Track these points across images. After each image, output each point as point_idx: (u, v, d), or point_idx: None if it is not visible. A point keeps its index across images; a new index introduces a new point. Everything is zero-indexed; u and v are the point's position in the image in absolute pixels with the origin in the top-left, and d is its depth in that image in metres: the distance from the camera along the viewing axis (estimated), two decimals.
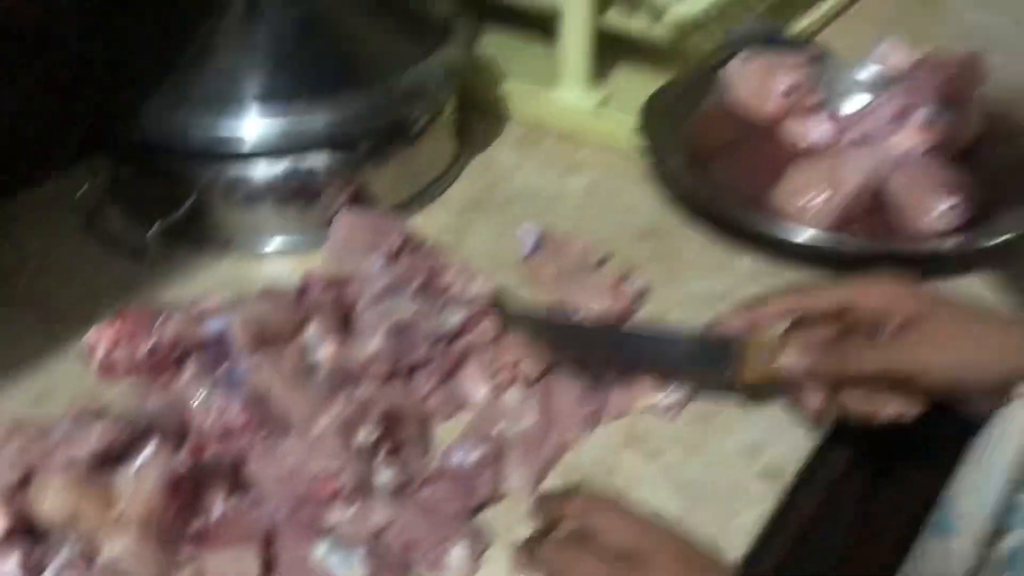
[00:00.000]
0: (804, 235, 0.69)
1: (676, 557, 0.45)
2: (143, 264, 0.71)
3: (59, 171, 0.79)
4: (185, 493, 0.47)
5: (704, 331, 0.58)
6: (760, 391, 0.58)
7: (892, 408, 0.52)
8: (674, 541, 0.46)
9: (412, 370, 0.58)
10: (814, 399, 0.54)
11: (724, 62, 0.84)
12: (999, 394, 0.52)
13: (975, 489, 0.55)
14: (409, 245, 0.69)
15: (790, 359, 0.54)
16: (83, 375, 0.60)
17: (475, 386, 0.58)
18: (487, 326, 0.60)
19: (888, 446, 0.62)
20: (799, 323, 0.56)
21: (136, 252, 0.71)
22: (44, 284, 0.70)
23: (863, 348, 0.53)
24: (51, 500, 0.45)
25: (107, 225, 0.75)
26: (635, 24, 0.84)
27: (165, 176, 0.73)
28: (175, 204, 0.72)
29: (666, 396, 0.58)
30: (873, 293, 0.54)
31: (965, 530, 0.55)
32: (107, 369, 0.59)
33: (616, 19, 0.85)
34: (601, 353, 0.59)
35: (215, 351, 0.56)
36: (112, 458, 0.48)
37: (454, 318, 0.59)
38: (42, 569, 0.44)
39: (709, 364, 0.56)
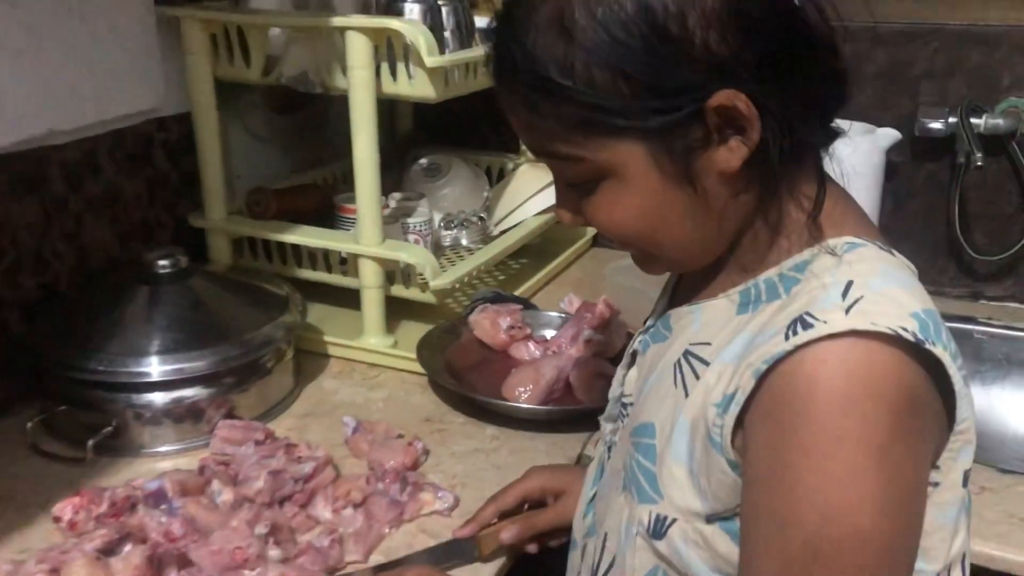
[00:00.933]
0: (523, 410, 1.11)
1: None
2: (81, 468, 1.01)
3: (3, 415, 1.11)
4: (154, 569, 0.79)
5: (454, 539, 0.89)
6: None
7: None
8: None
9: (282, 501, 0.93)
10: (529, 547, 0.90)
11: (470, 312, 1.30)
12: None
13: None
14: (269, 439, 1.05)
15: (505, 535, 0.88)
16: (51, 535, 0.90)
17: (324, 509, 0.94)
18: (327, 473, 0.96)
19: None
20: (503, 515, 0.90)
21: (75, 461, 1.02)
22: (7, 490, 0.98)
23: (538, 515, 0.90)
24: (77, 572, 0.76)
25: (48, 447, 1.05)
26: (410, 292, 1.29)
27: (91, 407, 1.06)
28: (100, 426, 1.04)
29: (442, 502, 0.95)
30: (533, 484, 0.91)
31: None
32: (72, 526, 0.89)
33: (399, 289, 1.30)
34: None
35: (155, 498, 0.89)
36: (107, 551, 0.79)
37: (306, 467, 0.95)
38: None
39: (463, 554, 0.89)
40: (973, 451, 0.61)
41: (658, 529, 0.65)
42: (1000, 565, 0.90)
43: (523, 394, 1.13)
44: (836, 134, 0.65)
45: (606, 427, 0.80)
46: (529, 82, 0.59)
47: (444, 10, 1.25)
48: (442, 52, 1.19)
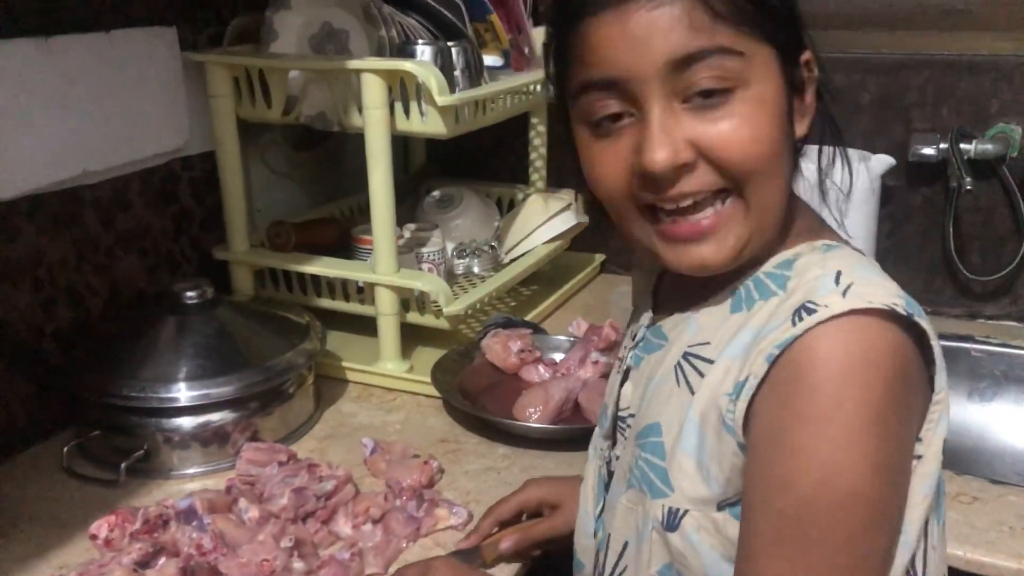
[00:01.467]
0: (533, 429, 1.16)
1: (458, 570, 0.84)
2: (115, 490, 1.07)
3: (42, 439, 1.17)
4: None
5: (458, 551, 0.95)
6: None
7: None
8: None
9: (305, 517, 0.98)
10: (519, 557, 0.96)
11: (482, 337, 1.35)
12: None
13: None
14: (291, 459, 1.10)
15: (504, 545, 0.94)
16: (88, 552, 0.95)
17: (344, 524, 0.99)
18: (348, 491, 1.02)
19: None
20: (503, 524, 0.96)
21: (108, 484, 1.08)
22: (46, 511, 1.05)
23: (535, 526, 0.95)
24: None
25: (83, 470, 1.11)
26: (425, 319, 1.35)
27: (123, 431, 1.12)
28: (132, 450, 1.10)
29: (456, 518, 1.00)
30: (531, 495, 0.97)
31: None
32: (108, 543, 0.95)
33: (414, 316, 1.35)
34: None
35: (186, 515, 0.94)
36: (143, 564, 0.85)
37: (327, 485, 1.00)
38: None
39: (469, 563, 0.93)
40: (948, 420, 0.65)
41: (671, 521, 0.68)
42: (990, 571, 0.94)
43: (533, 414, 1.18)
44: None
45: (605, 444, 0.82)
46: None
47: (454, 51, 1.31)
48: (452, 91, 1.25)
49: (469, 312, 1.38)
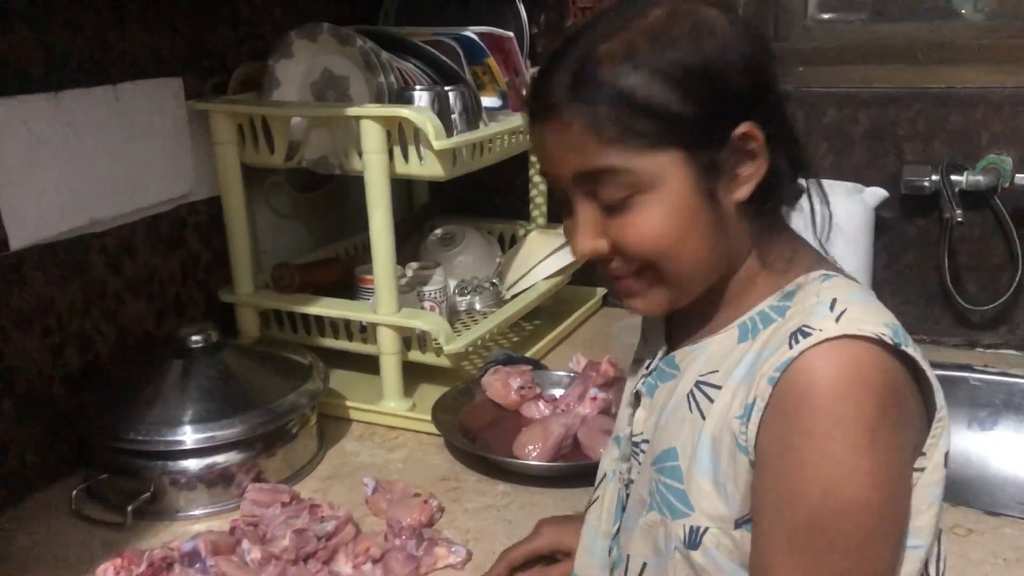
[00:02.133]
0: (532, 467, 1.18)
1: None
2: (122, 532, 1.09)
3: (51, 482, 1.19)
4: None
5: None
6: None
7: None
8: None
9: (306, 558, 1.00)
10: None
11: (483, 374, 1.37)
12: None
13: None
14: (294, 500, 1.12)
15: None
16: None
17: (344, 564, 1.01)
18: (348, 531, 1.03)
19: None
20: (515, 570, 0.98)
21: (115, 526, 1.10)
22: (54, 553, 1.07)
23: (552, 570, 0.97)
24: None
25: (91, 513, 1.13)
26: (426, 357, 1.37)
27: (130, 474, 1.14)
28: (139, 492, 1.12)
29: (455, 556, 1.02)
30: (545, 542, 0.98)
31: None
32: None
33: (415, 355, 1.38)
34: None
35: (190, 557, 0.96)
36: None
37: (328, 525, 1.02)
38: None
39: None
40: (950, 434, 0.70)
41: (693, 540, 0.72)
42: None
43: (532, 451, 1.19)
44: (802, 191, 0.77)
45: (622, 466, 0.85)
46: (596, 96, 0.68)
47: (451, 95, 1.34)
48: (450, 134, 1.28)
49: (470, 349, 1.40)
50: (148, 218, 1.33)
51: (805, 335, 0.65)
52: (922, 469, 0.68)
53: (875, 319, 0.66)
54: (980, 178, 1.40)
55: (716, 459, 0.71)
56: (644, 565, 0.77)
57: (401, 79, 1.38)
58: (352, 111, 1.25)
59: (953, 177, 1.41)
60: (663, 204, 0.70)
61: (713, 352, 0.75)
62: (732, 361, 0.72)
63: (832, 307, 0.67)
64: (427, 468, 1.24)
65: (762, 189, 0.71)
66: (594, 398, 1.26)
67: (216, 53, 1.43)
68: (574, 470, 1.18)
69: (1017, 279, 1.43)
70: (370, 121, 1.23)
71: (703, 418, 0.73)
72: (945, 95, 1.44)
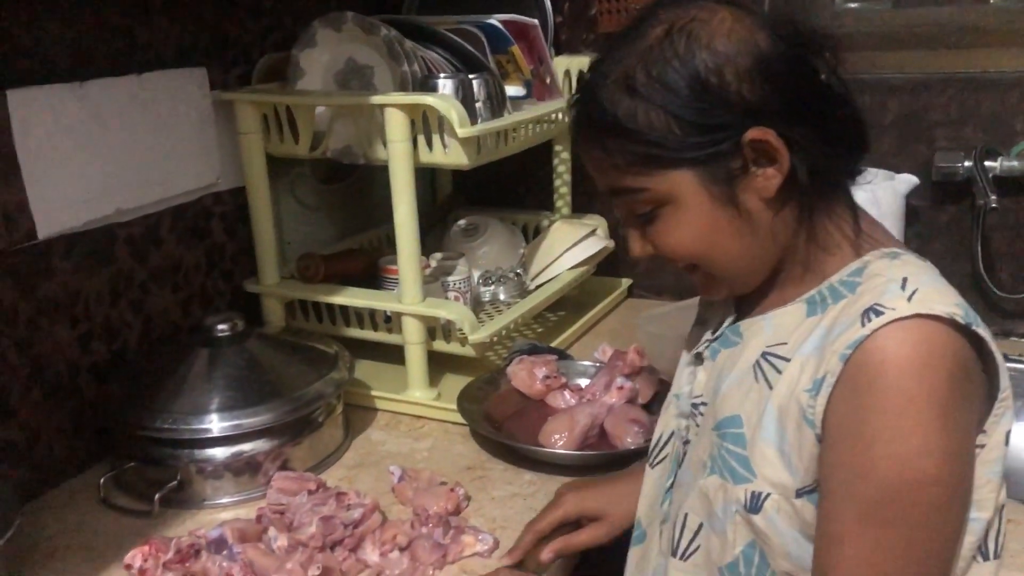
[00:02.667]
0: (559, 456, 1.17)
1: None
2: (149, 520, 1.09)
3: (79, 471, 1.20)
4: None
5: (504, 567, 0.97)
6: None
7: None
8: None
9: (333, 546, 0.99)
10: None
11: (508, 364, 1.36)
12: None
13: None
14: (321, 488, 1.12)
15: (545, 556, 0.95)
16: None
17: (371, 552, 1.00)
18: (375, 519, 1.03)
19: None
20: (540, 540, 0.98)
21: (142, 514, 1.11)
22: (83, 541, 1.07)
23: (576, 536, 0.97)
24: None
25: (119, 501, 1.14)
26: (451, 346, 1.36)
27: (157, 463, 1.14)
28: (166, 481, 1.13)
29: (482, 544, 1.01)
30: (571, 509, 0.99)
31: None
32: (142, 573, 0.97)
33: (440, 344, 1.37)
34: None
35: (217, 544, 0.96)
36: None
37: (355, 513, 1.02)
38: None
39: None
40: (1012, 415, 0.72)
41: (754, 504, 0.74)
42: None
43: (559, 441, 1.18)
44: (860, 171, 0.79)
45: (681, 423, 0.88)
46: (603, 127, 0.74)
47: (475, 83, 1.33)
48: (474, 122, 1.28)
49: (495, 339, 1.39)
50: (173, 208, 1.33)
51: (878, 313, 0.67)
52: (982, 446, 0.71)
53: (946, 299, 0.68)
54: (1015, 163, 1.37)
55: (782, 429, 0.73)
56: (700, 525, 0.80)
57: (425, 68, 1.37)
58: (376, 99, 1.25)
59: (987, 163, 1.38)
60: (683, 216, 0.74)
61: (779, 324, 0.78)
62: (801, 334, 0.74)
63: (904, 286, 0.68)
64: (453, 457, 1.23)
65: (792, 181, 0.72)
66: (620, 387, 1.25)
67: (240, 43, 1.43)
68: (601, 459, 1.17)
69: None
70: (394, 109, 1.23)
71: (770, 388, 0.75)
72: (978, 80, 1.42)
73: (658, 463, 0.92)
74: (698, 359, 0.87)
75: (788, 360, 0.74)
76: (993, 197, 1.33)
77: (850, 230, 0.76)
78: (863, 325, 0.67)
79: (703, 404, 0.84)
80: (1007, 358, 1.40)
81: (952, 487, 0.67)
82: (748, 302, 0.84)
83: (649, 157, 0.72)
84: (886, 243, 0.76)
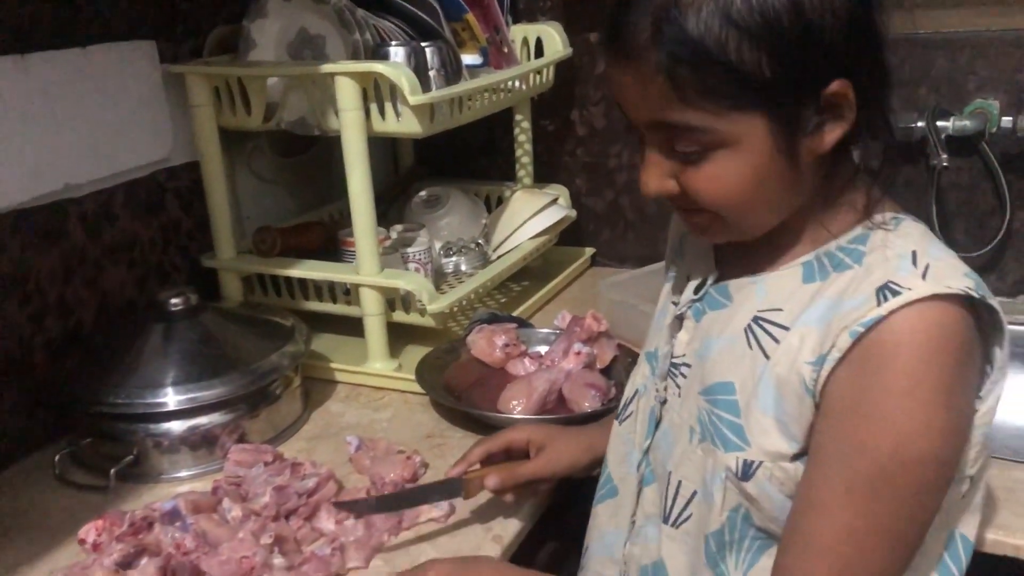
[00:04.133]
0: (516, 421, 1.17)
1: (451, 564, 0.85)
2: (105, 495, 1.09)
3: (34, 449, 1.19)
4: None
5: (444, 479, 1.01)
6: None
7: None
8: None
9: (288, 515, 0.99)
10: (507, 497, 0.99)
11: (468, 333, 1.36)
12: (589, 469, 0.99)
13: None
14: (277, 460, 1.12)
15: (489, 481, 0.98)
16: (77, 556, 0.97)
17: (327, 520, 1.00)
18: (330, 488, 1.03)
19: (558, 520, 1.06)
20: (488, 458, 1.01)
21: (98, 489, 1.10)
22: (37, 519, 1.07)
23: (520, 466, 0.99)
24: None
25: (75, 477, 1.13)
26: (411, 317, 1.36)
27: (113, 438, 1.14)
28: (122, 456, 1.12)
29: (438, 511, 1.01)
30: (520, 433, 1.02)
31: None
32: (95, 547, 0.96)
33: (400, 315, 1.37)
34: (401, 501, 1.00)
35: (170, 516, 0.96)
36: (125, 564, 0.86)
37: (309, 482, 1.02)
38: None
39: (451, 493, 0.99)
40: (1004, 380, 0.73)
41: (746, 472, 0.74)
42: (997, 548, 0.94)
43: (517, 407, 1.19)
44: (892, 142, 0.76)
45: (658, 383, 0.87)
46: (680, 53, 0.65)
47: (428, 51, 1.32)
48: (427, 91, 1.26)
49: (456, 309, 1.39)
50: (126, 183, 1.32)
51: (895, 292, 0.66)
52: (976, 411, 0.71)
53: (957, 272, 0.68)
54: (967, 123, 1.38)
55: (781, 399, 0.72)
56: (694, 493, 0.80)
57: (378, 36, 1.36)
58: (326, 68, 1.23)
59: (940, 123, 1.39)
60: (740, 162, 0.69)
61: (773, 288, 0.76)
62: (799, 302, 0.73)
63: (915, 261, 0.68)
64: (413, 426, 1.23)
65: (843, 142, 0.71)
66: (578, 353, 1.25)
67: (191, 16, 1.41)
68: (557, 423, 1.17)
69: (1005, 225, 1.42)
70: (345, 78, 1.21)
71: (766, 357, 0.74)
72: (930, 40, 1.42)
73: (625, 419, 0.92)
74: (678, 320, 0.85)
75: (787, 329, 0.73)
76: (944, 156, 1.34)
77: (863, 198, 0.74)
78: (879, 304, 0.66)
79: (686, 366, 0.83)
80: None
81: (945, 467, 0.68)
82: (731, 261, 0.82)
83: (728, 94, 0.66)
84: (887, 206, 0.75)
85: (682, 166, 0.71)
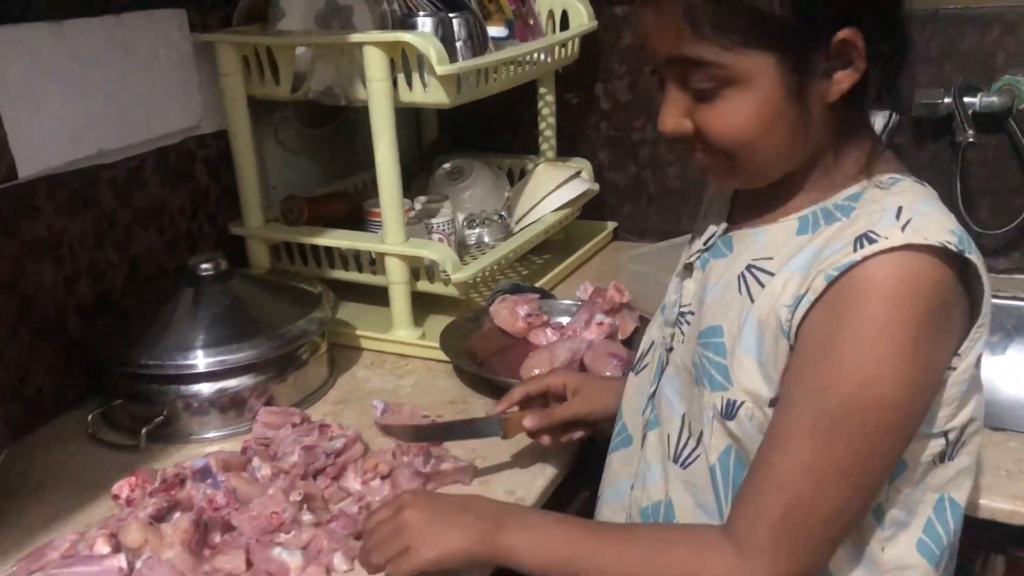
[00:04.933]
0: None
1: (428, 500, 0.84)
2: (136, 454, 1.12)
3: (68, 409, 1.22)
4: (200, 532, 0.88)
5: (485, 416, 1.05)
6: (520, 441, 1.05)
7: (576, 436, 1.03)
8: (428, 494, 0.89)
9: (316, 474, 1.02)
10: (544, 439, 1.02)
11: (490, 303, 1.38)
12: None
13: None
14: (305, 422, 1.14)
15: (528, 421, 1.00)
16: (111, 510, 1.00)
17: (353, 480, 1.02)
18: (357, 449, 1.05)
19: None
20: (528, 400, 1.04)
21: (130, 449, 1.13)
22: (71, 476, 1.10)
23: (557, 408, 1.02)
24: (132, 535, 0.86)
25: (107, 437, 1.16)
26: (435, 286, 1.38)
27: (144, 399, 1.16)
28: (152, 417, 1.14)
29: (462, 473, 1.03)
30: (558, 378, 1.04)
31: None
32: (129, 502, 0.99)
33: (424, 285, 1.38)
34: (440, 434, 1.05)
35: (202, 474, 0.98)
36: (159, 518, 0.89)
37: (337, 443, 1.04)
38: (133, 567, 0.84)
39: (490, 431, 1.02)
40: (984, 340, 0.74)
41: (729, 411, 0.78)
42: (985, 513, 0.95)
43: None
44: (903, 100, 0.80)
45: (666, 332, 0.90)
46: None
47: (455, 22, 1.33)
48: (453, 61, 1.27)
49: (479, 279, 1.40)
50: (157, 151, 1.34)
51: (871, 241, 0.68)
52: (954, 368, 0.73)
53: (940, 227, 0.69)
54: (995, 99, 1.37)
55: (761, 341, 0.75)
56: (701, 432, 0.82)
57: (405, 7, 1.37)
58: (355, 38, 1.25)
59: (967, 99, 1.39)
60: (750, 101, 0.72)
61: (770, 239, 0.79)
62: (789, 251, 0.76)
63: (899, 214, 0.69)
64: (436, 392, 1.25)
65: (853, 92, 0.72)
66: (600, 323, 1.27)
67: None
68: None
69: None
70: (373, 48, 1.23)
71: (752, 300, 0.77)
72: (959, 15, 1.41)
73: (641, 370, 0.95)
74: (688, 269, 0.88)
75: (773, 275, 0.76)
76: (971, 132, 1.33)
77: (865, 157, 0.76)
78: (855, 250, 0.68)
79: (690, 313, 0.86)
80: None
81: (906, 415, 0.70)
82: (741, 213, 0.85)
83: (744, 32, 0.69)
84: (892, 168, 0.77)
85: (696, 104, 0.74)
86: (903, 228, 0.68)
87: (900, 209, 0.70)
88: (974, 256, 0.70)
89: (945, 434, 0.76)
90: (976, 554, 1.02)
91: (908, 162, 1.45)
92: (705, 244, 0.87)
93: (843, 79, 0.71)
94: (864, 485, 0.71)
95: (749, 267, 0.79)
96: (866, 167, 0.75)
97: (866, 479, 0.71)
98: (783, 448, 0.72)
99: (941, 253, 0.67)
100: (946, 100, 1.40)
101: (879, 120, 1.40)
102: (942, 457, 0.77)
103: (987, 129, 1.41)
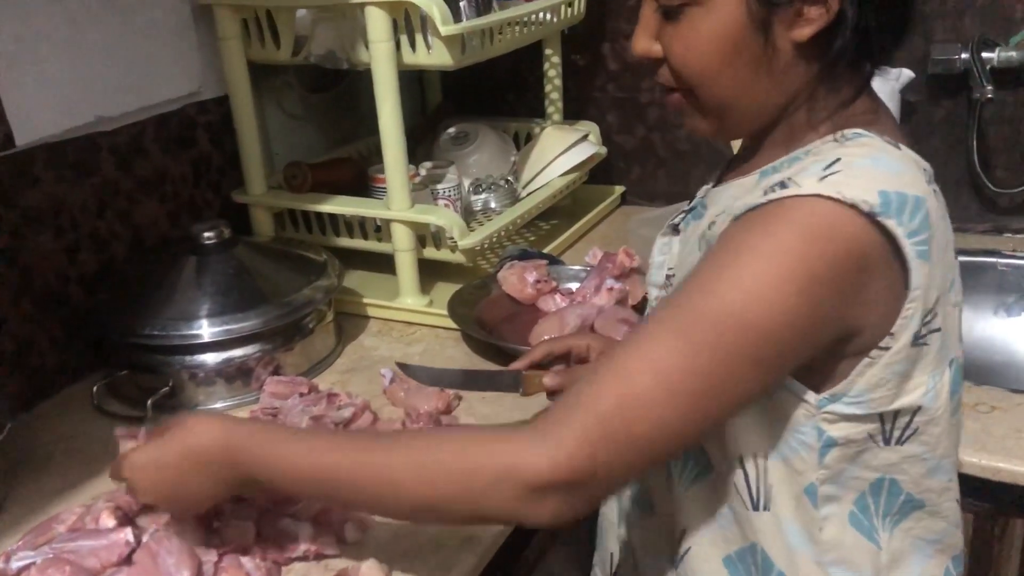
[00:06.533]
0: None
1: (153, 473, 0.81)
2: (143, 426, 1.10)
3: (72, 381, 1.21)
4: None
5: (506, 369, 1.03)
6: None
7: None
8: None
9: None
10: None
11: (499, 269, 1.36)
12: None
13: None
14: (312, 391, 1.13)
15: (548, 379, 0.98)
16: (119, 482, 0.98)
17: None
18: (366, 418, 1.04)
19: None
20: (550, 360, 1.02)
21: (136, 420, 1.11)
22: (78, 448, 1.09)
23: (579, 369, 1.00)
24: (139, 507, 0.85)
25: (112, 408, 1.15)
26: (441, 253, 1.36)
27: (149, 370, 1.15)
28: (158, 387, 1.13)
29: None
30: (581, 339, 1.02)
31: None
32: None
33: (430, 251, 1.36)
34: (459, 381, 1.05)
35: None
36: None
37: (346, 412, 1.02)
38: (140, 540, 0.83)
39: (510, 386, 1.01)
40: (923, 315, 0.68)
41: None
42: (1005, 476, 0.94)
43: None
44: (889, 57, 0.74)
45: (653, 293, 0.89)
46: None
47: None
48: (457, 21, 1.24)
49: (486, 246, 1.38)
50: (157, 118, 1.31)
51: (783, 187, 0.66)
52: (887, 348, 0.67)
53: (867, 185, 0.64)
54: (1013, 54, 1.34)
55: None
56: None
57: None
58: None
59: (984, 54, 1.35)
60: (712, 23, 0.70)
61: (732, 194, 0.77)
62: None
63: (829, 167, 0.66)
64: (445, 360, 1.24)
65: (827, 35, 0.69)
66: (610, 289, 1.25)
67: None
68: None
69: None
70: (375, 8, 1.20)
71: (700, 252, 0.76)
72: None
73: None
74: (675, 230, 0.86)
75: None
76: (989, 87, 1.30)
77: (844, 111, 0.72)
78: (764, 195, 0.66)
79: (674, 276, 0.85)
80: (1000, 254, 1.39)
81: (777, 352, 0.65)
82: (728, 171, 0.83)
83: None
84: (872, 128, 0.71)
85: (665, 26, 0.73)
86: (821, 179, 0.65)
87: (836, 161, 0.66)
88: (891, 222, 0.64)
89: (880, 416, 0.70)
90: (994, 518, 1.00)
91: (923, 120, 1.45)
92: (690, 204, 0.86)
93: (813, 17, 0.68)
94: (704, 406, 0.66)
95: (710, 224, 0.77)
96: (835, 121, 0.71)
97: (710, 405, 0.66)
98: (638, 338, 0.67)
99: (854, 210, 0.63)
100: (963, 55, 1.37)
101: (890, 76, 1.37)
102: (885, 440, 0.72)
103: (1005, 85, 1.38)
